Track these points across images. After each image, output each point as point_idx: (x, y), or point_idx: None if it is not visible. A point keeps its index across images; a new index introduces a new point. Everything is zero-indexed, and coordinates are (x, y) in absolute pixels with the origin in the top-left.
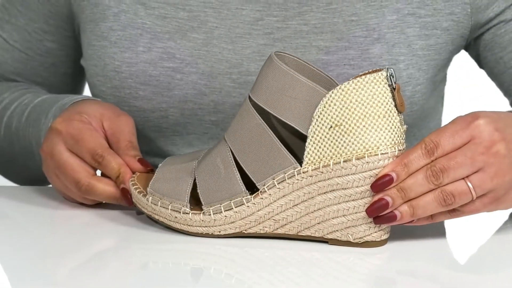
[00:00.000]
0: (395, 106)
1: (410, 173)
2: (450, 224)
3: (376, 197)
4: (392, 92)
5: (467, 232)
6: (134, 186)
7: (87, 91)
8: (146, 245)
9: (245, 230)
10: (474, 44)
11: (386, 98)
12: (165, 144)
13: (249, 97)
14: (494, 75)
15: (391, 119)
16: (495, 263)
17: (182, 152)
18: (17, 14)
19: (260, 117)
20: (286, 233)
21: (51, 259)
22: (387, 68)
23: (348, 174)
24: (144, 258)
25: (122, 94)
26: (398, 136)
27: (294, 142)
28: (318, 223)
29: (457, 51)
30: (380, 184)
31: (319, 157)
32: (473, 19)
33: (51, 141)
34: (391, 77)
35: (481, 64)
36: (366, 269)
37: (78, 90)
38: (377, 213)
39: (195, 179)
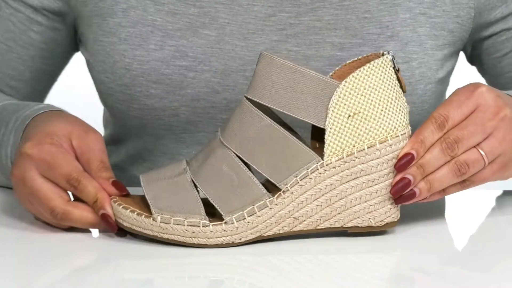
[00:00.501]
0: (401, 87)
1: (427, 149)
2: (462, 220)
3: (398, 177)
4: (396, 74)
5: (478, 227)
6: (129, 209)
7: (59, 92)
8: (153, 260)
9: (265, 233)
10: (471, 47)
11: (393, 80)
12: (173, 142)
13: (248, 98)
14: (488, 76)
15: (401, 100)
16: (504, 258)
17: (190, 150)
18: (1, 4)
19: (268, 118)
20: (305, 229)
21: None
22: (388, 52)
23: (373, 159)
24: (153, 274)
25: (133, 92)
26: (407, 115)
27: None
28: (339, 213)
29: (456, 53)
30: (404, 163)
31: (340, 147)
32: (475, 22)
33: (22, 167)
34: (393, 59)
35: (473, 63)
36: (386, 267)
37: (47, 89)
38: (401, 192)
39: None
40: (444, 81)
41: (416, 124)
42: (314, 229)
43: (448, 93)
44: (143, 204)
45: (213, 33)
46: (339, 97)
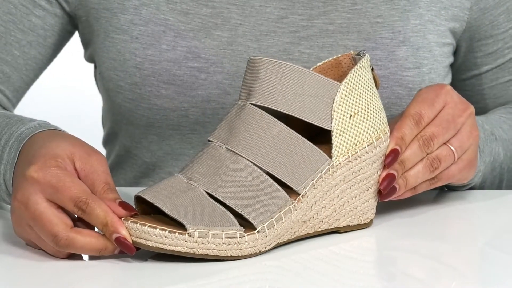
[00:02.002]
0: (375, 82)
1: (407, 145)
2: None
3: (384, 173)
4: (372, 73)
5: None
6: (158, 228)
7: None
8: (183, 285)
9: (281, 241)
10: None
11: (372, 79)
12: (179, 142)
13: (254, 105)
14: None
15: (379, 99)
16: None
17: (195, 151)
18: None
19: (281, 123)
20: (308, 233)
21: None
22: (361, 52)
23: (370, 157)
24: None
25: (143, 92)
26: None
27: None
28: (337, 214)
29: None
30: (392, 159)
31: (346, 148)
32: (462, 36)
33: (26, 191)
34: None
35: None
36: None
37: (31, 82)
38: (389, 186)
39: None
40: None
41: None
42: (314, 232)
43: None
44: (163, 222)
45: (226, 34)
46: (341, 98)
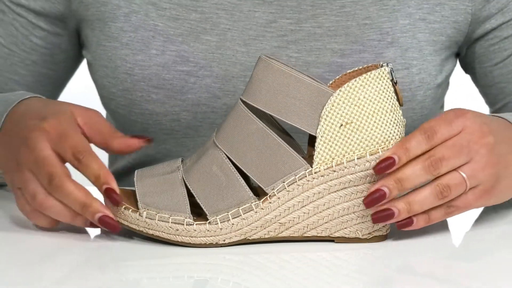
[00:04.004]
0: (397, 100)
1: (410, 158)
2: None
3: (373, 188)
4: (394, 87)
5: (463, 228)
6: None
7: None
8: (139, 261)
9: (250, 236)
10: (465, 53)
11: (390, 93)
12: (175, 146)
13: (243, 101)
14: (480, 86)
15: (396, 113)
16: (491, 257)
17: (192, 154)
18: (4, 9)
19: (260, 121)
20: (291, 235)
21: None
22: (387, 64)
23: (362, 171)
24: (139, 274)
25: (134, 97)
26: (403, 129)
27: (289, 142)
28: (326, 222)
29: (453, 56)
30: (383, 167)
31: (330, 156)
32: (471, 28)
33: (35, 139)
34: (392, 71)
35: (467, 72)
36: (372, 265)
37: (55, 95)
38: (375, 204)
39: (187, 190)
40: (443, 85)
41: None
42: (301, 236)
43: (448, 94)
44: (134, 199)
45: (214, 39)
46: (333, 105)
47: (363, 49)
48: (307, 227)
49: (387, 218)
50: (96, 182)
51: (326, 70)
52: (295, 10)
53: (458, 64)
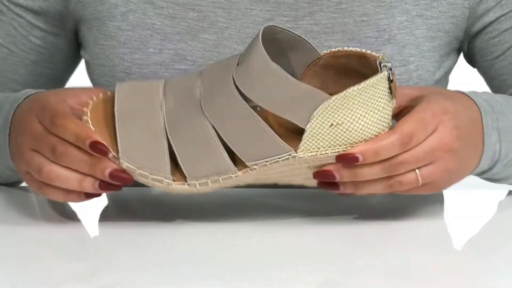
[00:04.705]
0: (390, 93)
1: (376, 160)
2: (460, 220)
3: (326, 168)
4: (389, 84)
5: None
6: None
7: None
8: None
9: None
10: (467, 48)
11: (385, 94)
12: None
13: (235, 83)
14: (485, 79)
15: (388, 109)
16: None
17: None
18: (3, 9)
19: (251, 109)
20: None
21: None
22: (386, 63)
23: None
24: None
25: None
26: (390, 121)
27: (281, 121)
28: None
29: (454, 52)
30: (345, 159)
31: (316, 147)
32: (469, 22)
33: (27, 118)
34: (390, 70)
35: (474, 66)
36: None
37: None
38: (321, 179)
39: (169, 144)
40: (442, 81)
41: None
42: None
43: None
44: (115, 134)
45: (212, 37)
46: (326, 108)
47: (360, 46)
48: (281, 179)
49: (331, 188)
50: (77, 140)
51: None
52: (292, 7)
53: (458, 62)
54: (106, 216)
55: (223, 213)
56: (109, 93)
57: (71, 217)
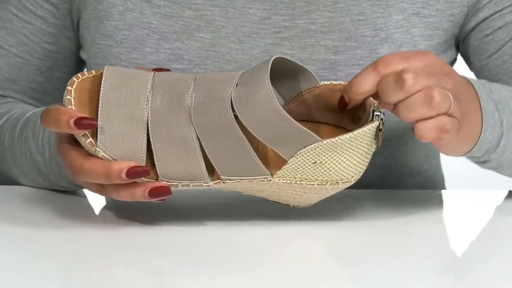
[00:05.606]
0: (377, 143)
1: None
2: (461, 220)
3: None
4: (377, 133)
5: (477, 227)
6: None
7: None
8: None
9: None
10: (462, 46)
11: (371, 141)
12: None
13: (232, 104)
14: (482, 79)
15: (369, 154)
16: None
17: None
18: (12, 18)
19: (242, 133)
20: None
21: None
22: (379, 113)
23: (317, 192)
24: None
25: None
26: (367, 164)
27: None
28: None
29: (451, 48)
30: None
31: (293, 176)
32: (466, 19)
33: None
34: (381, 121)
35: (469, 67)
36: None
37: None
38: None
39: (148, 141)
40: None
41: (409, 125)
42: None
43: None
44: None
45: (209, 36)
46: (314, 149)
47: (357, 45)
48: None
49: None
50: (61, 124)
51: (320, 67)
52: (289, 6)
53: (458, 62)
54: (106, 216)
55: (223, 213)
56: (94, 72)
57: (71, 217)
